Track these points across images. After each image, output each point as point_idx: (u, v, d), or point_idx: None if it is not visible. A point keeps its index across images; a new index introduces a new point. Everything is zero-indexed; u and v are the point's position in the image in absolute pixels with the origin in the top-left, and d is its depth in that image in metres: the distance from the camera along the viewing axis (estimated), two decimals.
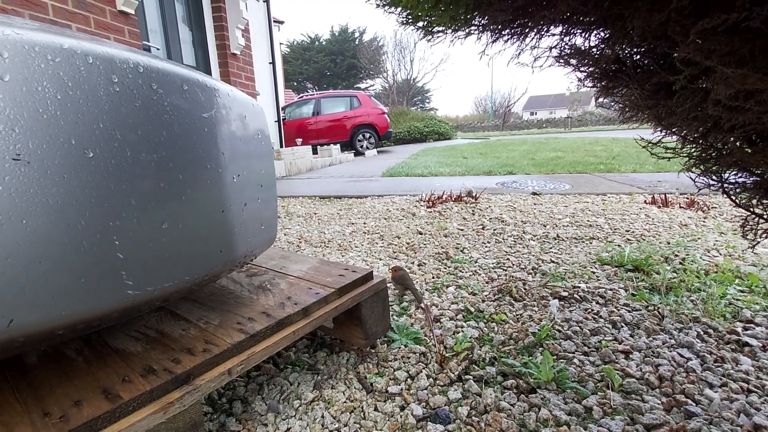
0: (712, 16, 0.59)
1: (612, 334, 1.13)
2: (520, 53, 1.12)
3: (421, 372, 0.99)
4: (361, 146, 10.35)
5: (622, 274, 1.55)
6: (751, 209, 0.96)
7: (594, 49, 0.99)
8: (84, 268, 0.56)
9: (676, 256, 1.69)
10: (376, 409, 0.88)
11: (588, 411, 0.84)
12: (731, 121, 0.77)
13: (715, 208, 2.53)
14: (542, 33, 1.05)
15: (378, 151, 10.50)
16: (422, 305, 1.34)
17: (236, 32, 5.33)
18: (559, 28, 1.03)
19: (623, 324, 1.18)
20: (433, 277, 1.62)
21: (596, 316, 1.24)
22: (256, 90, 5.96)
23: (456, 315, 1.29)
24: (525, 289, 1.45)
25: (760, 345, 1.03)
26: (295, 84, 33.15)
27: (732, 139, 0.89)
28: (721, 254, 1.71)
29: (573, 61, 1.02)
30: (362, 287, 1.06)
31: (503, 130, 28.75)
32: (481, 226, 2.37)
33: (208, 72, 5.14)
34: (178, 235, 0.69)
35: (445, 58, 58.25)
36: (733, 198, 0.97)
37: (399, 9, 1.17)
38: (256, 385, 0.97)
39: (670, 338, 1.09)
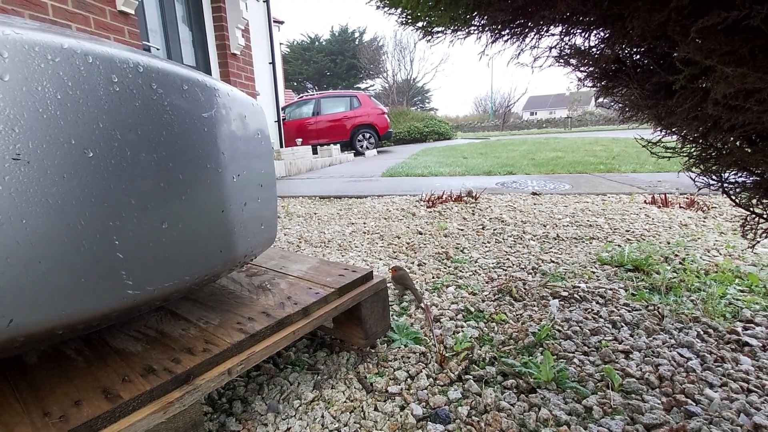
0: (712, 14, 0.59)
1: (612, 333, 1.13)
2: (519, 53, 1.12)
3: (421, 372, 0.99)
4: (361, 146, 10.35)
5: (622, 273, 1.55)
6: (751, 209, 0.96)
7: (594, 49, 0.99)
8: (84, 267, 0.56)
9: (676, 255, 1.69)
10: (376, 409, 0.88)
11: (588, 411, 0.84)
12: (731, 121, 0.77)
13: (715, 207, 2.53)
14: (542, 33, 1.05)
15: (378, 151, 10.50)
16: (422, 305, 1.34)
17: (236, 32, 5.33)
18: (559, 28, 1.03)
19: (623, 324, 1.18)
20: (433, 277, 1.62)
21: (596, 316, 1.24)
22: (256, 90, 5.96)
23: (456, 315, 1.29)
24: (525, 289, 1.45)
25: (760, 345, 1.03)
26: (295, 84, 33.16)
27: (732, 138, 0.89)
28: (721, 254, 1.71)
29: (573, 61, 1.02)
30: (362, 287, 1.06)
31: (503, 130, 28.75)
32: (481, 226, 2.37)
33: (208, 72, 5.14)
34: (178, 234, 0.69)
35: (445, 58, 58.36)
36: (733, 197, 0.97)
37: (399, 10, 1.17)
38: (256, 385, 0.97)
39: (670, 338, 1.09)
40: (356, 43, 33.49)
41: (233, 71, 5.38)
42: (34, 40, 0.51)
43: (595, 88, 1.09)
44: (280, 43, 18.77)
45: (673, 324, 1.16)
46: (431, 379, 0.97)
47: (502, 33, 1.09)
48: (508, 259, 1.79)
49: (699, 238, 1.94)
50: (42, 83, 0.51)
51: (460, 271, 1.68)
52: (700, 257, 1.67)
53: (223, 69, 5.34)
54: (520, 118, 38.61)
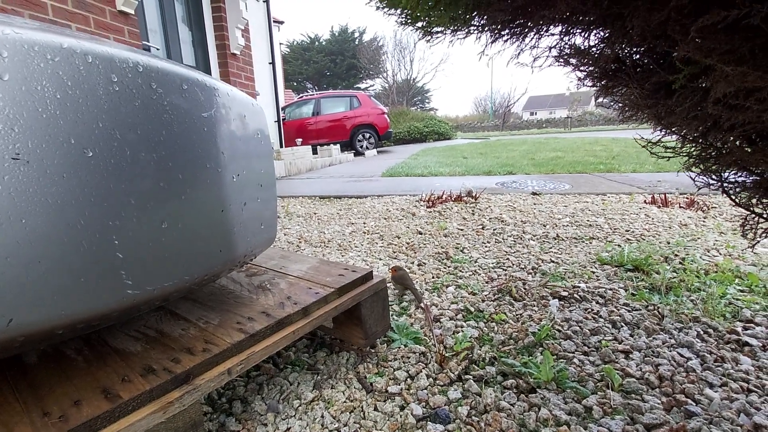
0: (712, 13, 0.59)
1: (612, 333, 1.13)
2: (519, 53, 1.12)
3: (421, 372, 0.99)
4: (361, 146, 10.35)
5: (622, 273, 1.55)
6: (751, 208, 0.96)
7: (593, 49, 0.99)
8: (83, 267, 0.56)
9: (676, 255, 1.69)
10: (375, 409, 0.88)
11: (588, 411, 0.84)
12: (731, 120, 0.77)
13: (715, 207, 2.53)
14: (542, 33, 1.05)
15: (378, 151, 10.50)
16: (422, 305, 1.34)
17: (236, 32, 5.33)
18: (559, 28, 1.03)
19: (623, 324, 1.18)
20: (432, 277, 1.62)
21: (596, 316, 1.24)
22: (255, 90, 5.96)
23: (456, 315, 1.29)
24: (525, 288, 1.45)
25: (760, 344, 1.03)
26: (295, 84, 33.16)
27: (731, 138, 0.89)
28: (720, 254, 1.71)
29: (573, 61, 1.02)
30: (362, 287, 1.05)
31: (503, 130, 28.75)
32: (480, 226, 2.37)
33: (208, 72, 5.14)
34: (178, 234, 0.69)
35: (444, 58, 58.34)
36: (733, 197, 0.97)
37: (398, 10, 1.17)
38: (256, 385, 0.97)
39: (670, 338, 1.09)
40: (356, 43, 33.49)
41: (233, 71, 5.38)
42: (33, 39, 0.51)
43: (594, 88, 1.09)
44: (280, 43, 18.77)
45: (673, 324, 1.16)
46: (431, 379, 0.97)
47: (502, 33, 1.09)
48: (507, 259, 1.79)
49: (699, 238, 1.94)
50: (41, 83, 0.51)
51: (460, 271, 1.68)
52: (700, 257, 1.67)
53: (222, 69, 5.34)
54: (520, 118, 38.62)
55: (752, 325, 1.13)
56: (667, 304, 1.27)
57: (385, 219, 2.71)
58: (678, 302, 1.28)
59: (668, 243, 1.89)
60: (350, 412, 0.87)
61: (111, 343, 0.78)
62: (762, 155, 0.81)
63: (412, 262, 1.81)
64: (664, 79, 0.86)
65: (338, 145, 8.78)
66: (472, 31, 1.14)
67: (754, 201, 0.95)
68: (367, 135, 10.42)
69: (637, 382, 0.91)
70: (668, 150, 1.01)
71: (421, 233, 2.29)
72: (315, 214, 3.06)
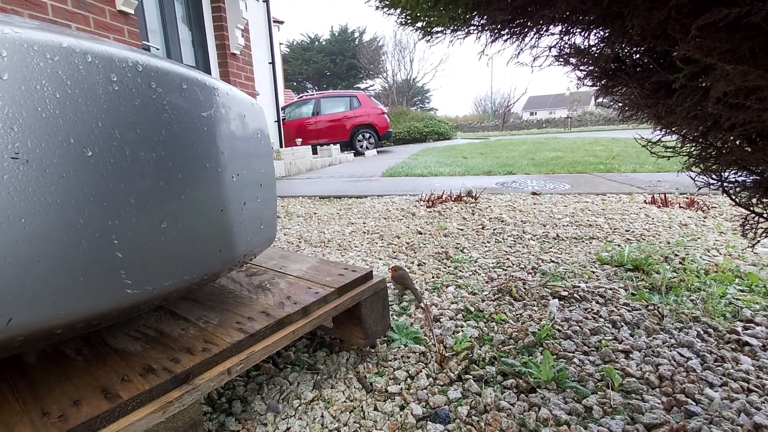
0: (712, 11, 0.59)
1: (612, 333, 1.13)
2: (519, 53, 1.12)
3: (421, 371, 0.99)
4: (361, 146, 10.35)
5: (622, 273, 1.55)
6: (751, 208, 0.96)
7: (593, 48, 0.99)
8: (83, 267, 0.56)
9: (676, 255, 1.69)
10: (375, 409, 0.87)
11: (588, 410, 0.84)
12: (731, 120, 0.77)
13: (715, 207, 2.53)
14: (541, 32, 1.05)
15: (378, 151, 10.50)
16: (422, 305, 1.34)
17: (236, 32, 5.33)
18: (559, 28, 1.03)
19: (623, 323, 1.18)
20: (432, 277, 1.62)
21: (596, 316, 1.24)
22: (255, 90, 5.96)
23: (456, 315, 1.29)
24: (525, 288, 1.45)
25: (760, 344, 1.03)
26: (295, 84, 33.15)
27: (732, 137, 0.89)
28: (720, 254, 1.71)
29: (573, 60, 1.02)
30: (362, 287, 1.05)
31: (503, 130, 28.76)
32: (480, 226, 2.37)
33: (208, 72, 5.14)
34: (178, 234, 0.69)
35: (444, 58, 58.28)
36: (733, 197, 0.97)
37: (398, 10, 1.17)
38: (256, 385, 0.97)
39: (670, 338, 1.09)
40: (356, 43, 33.48)
41: (233, 71, 5.38)
42: (33, 38, 0.51)
43: (594, 88, 1.08)
44: (280, 43, 18.78)
45: (673, 324, 1.16)
46: (431, 379, 0.97)
47: (502, 32, 1.08)
48: (507, 258, 1.79)
49: (699, 238, 1.94)
50: (41, 82, 0.51)
51: (460, 270, 1.68)
52: (700, 257, 1.67)
53: (222, 69, 5.34)
54: (520, 118, 38.63)
55: (752, 324, 1.13)
56: (667, 304, 1.27)
57: (385, 219, 2.71)
58: (678, 302, 1.28)
59: (668, 243, 1.89)
60: (350, 412, 0.87)
61: (111, 342, 0.78)
62: (762, 155, 0.81)
63: (412, 262, 1.81)
64: (664, 78, 0.86)
65: (338, 145, 8.78)
66: (471, 31, 1.14)
67: (754, 200, 0.94)
68: (367, 135, 10.42)
69: (637, 381, 0.91)
70: (668, 150, 1.01)
71: (421, 233, 2.29)
72: (315, 214, 3.06)
